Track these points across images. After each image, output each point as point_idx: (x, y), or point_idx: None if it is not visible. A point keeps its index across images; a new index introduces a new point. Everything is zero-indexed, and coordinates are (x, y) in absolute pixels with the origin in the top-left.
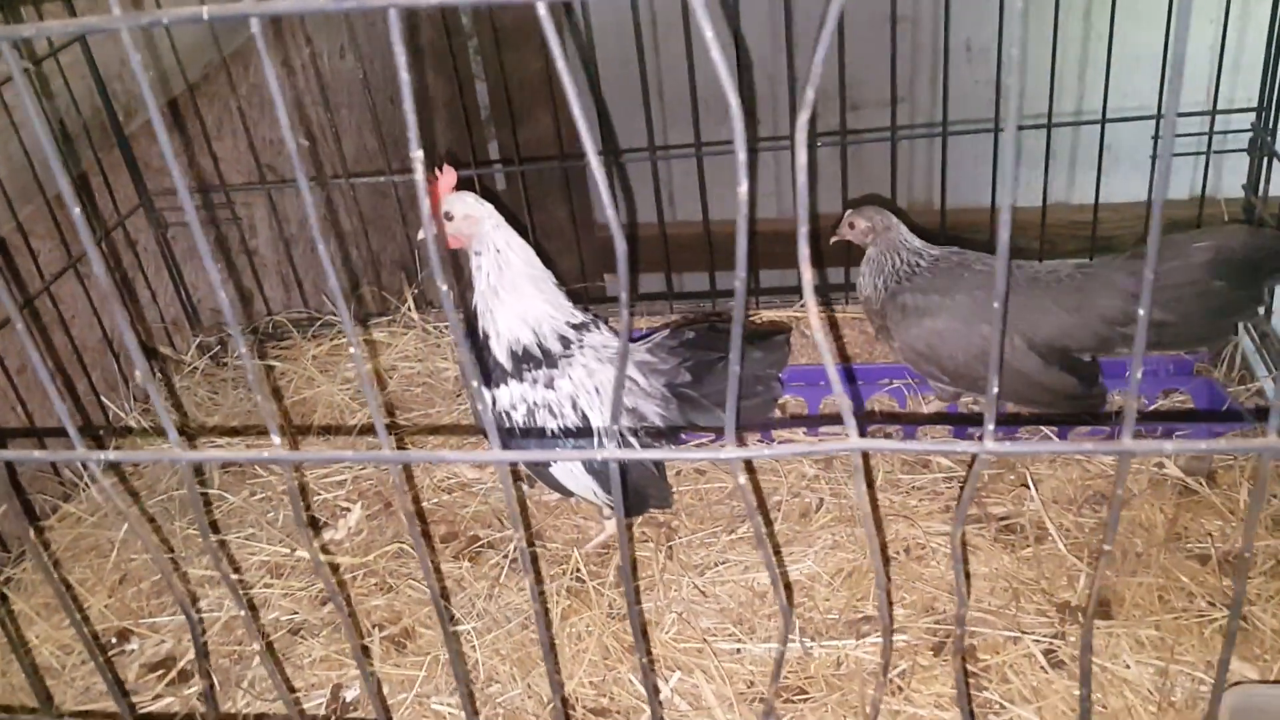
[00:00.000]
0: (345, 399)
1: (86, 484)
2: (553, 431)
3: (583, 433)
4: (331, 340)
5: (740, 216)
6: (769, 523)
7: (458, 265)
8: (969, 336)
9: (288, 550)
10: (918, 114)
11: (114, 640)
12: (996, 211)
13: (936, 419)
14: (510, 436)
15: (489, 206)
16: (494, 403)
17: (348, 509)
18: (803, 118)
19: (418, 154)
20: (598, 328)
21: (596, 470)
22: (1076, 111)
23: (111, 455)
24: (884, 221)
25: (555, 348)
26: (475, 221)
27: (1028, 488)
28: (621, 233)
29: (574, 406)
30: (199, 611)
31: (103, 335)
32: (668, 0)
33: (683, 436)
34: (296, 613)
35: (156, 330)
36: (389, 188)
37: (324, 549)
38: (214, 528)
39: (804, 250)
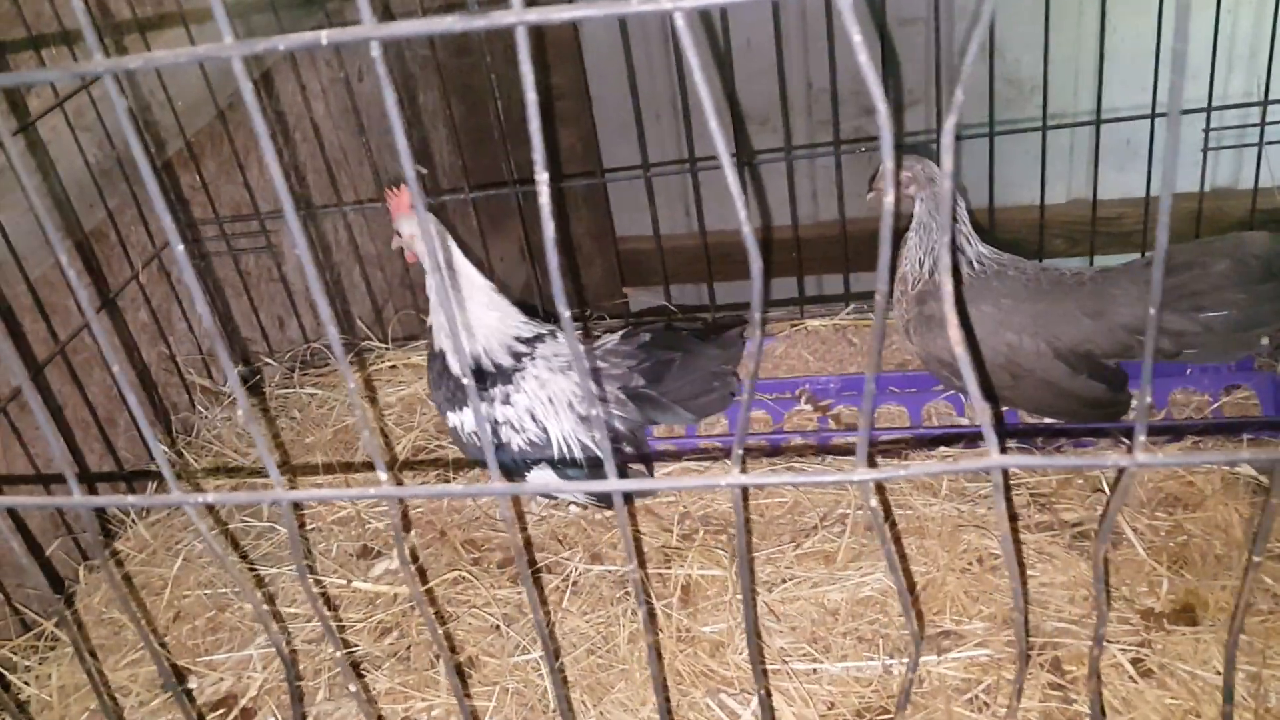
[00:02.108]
0: (389, 424)
1: (133, 520)
2: (518, 445)
3: (545, 444)
4: (372, 365)
5: (885, 226)
6: (834, 537)
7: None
8: (994, 346)
9: (343, 581)
10: (933, 117)
11: (172, 678)
12: (994, 211)
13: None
14: (480, 453)
15: (434, 226)
16: (462, 426)
17: (402, 538)
18: (950, 121)
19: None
20: (554, 338)
21: (575, 476)
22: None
23: (210, 498)
24: (926, 171)
25: (506, 361)
26: (418, 239)
27: (1101, 491)
28: (757, 248)
29: (533, 419)
30: (257, 648)
31: (142, 369)
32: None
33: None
34: (357, 645)
35: (193, 362)
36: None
37: (379, 580)
38: (264, 562)
39: (945, 260)
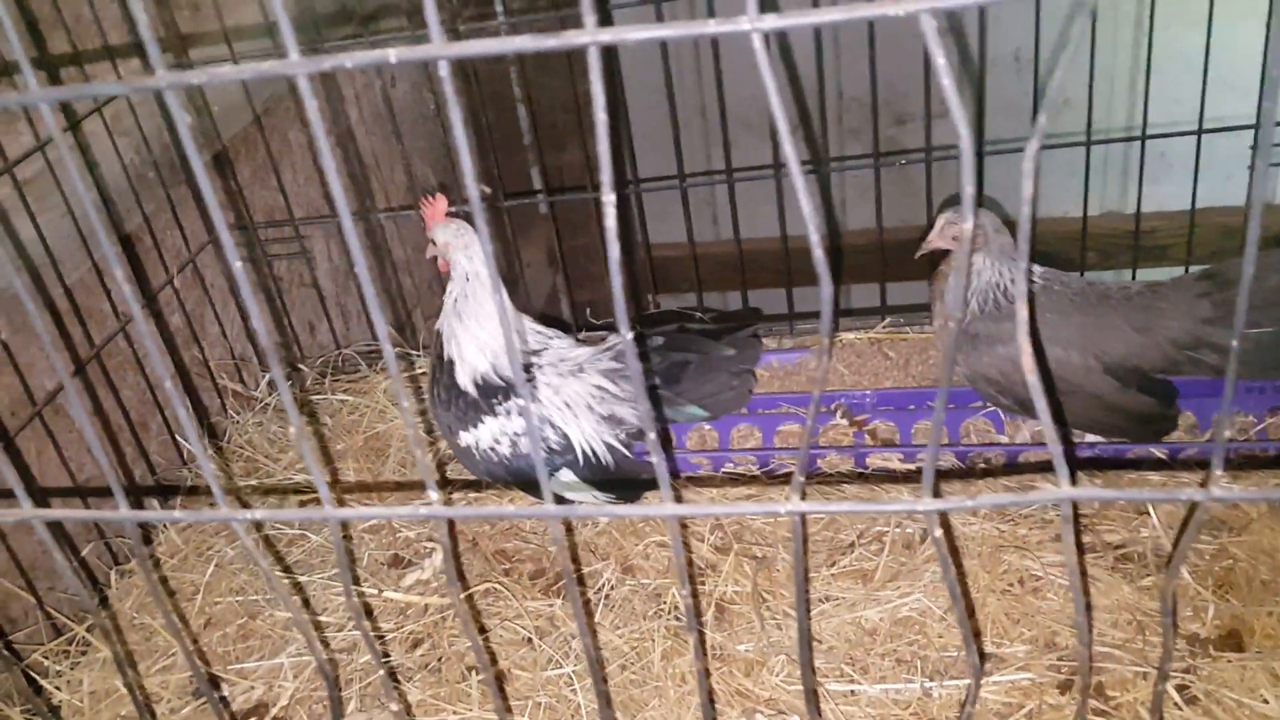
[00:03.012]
0: (420, 433)
1: (166, 525)
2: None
3: (566, 449)
4: (403, 372)
5: (965, 253)
6: (871, 556)
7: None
8: (1042, 363)
9: (374, 591)
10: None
11: (207, 684)
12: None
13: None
14: (500, 470)
15: (469, 236)
16: (477, 444)
17: (432, 548)
18: (1033, 146)
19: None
20: (553, 343)
21: (593, 477)
22: (1129, 121)
23: (258, 515)
24: (992, 223)
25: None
26: (449, 248)
27: (1146, 514)
28: (828, 273)
29: (551, 425)
30: (289, 656)
31: (174, 373)
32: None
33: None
34: (389, 656)
35: (226, 366)
36: None
37: (410, 590)
38: (296, 569)
39: (1021, 278)
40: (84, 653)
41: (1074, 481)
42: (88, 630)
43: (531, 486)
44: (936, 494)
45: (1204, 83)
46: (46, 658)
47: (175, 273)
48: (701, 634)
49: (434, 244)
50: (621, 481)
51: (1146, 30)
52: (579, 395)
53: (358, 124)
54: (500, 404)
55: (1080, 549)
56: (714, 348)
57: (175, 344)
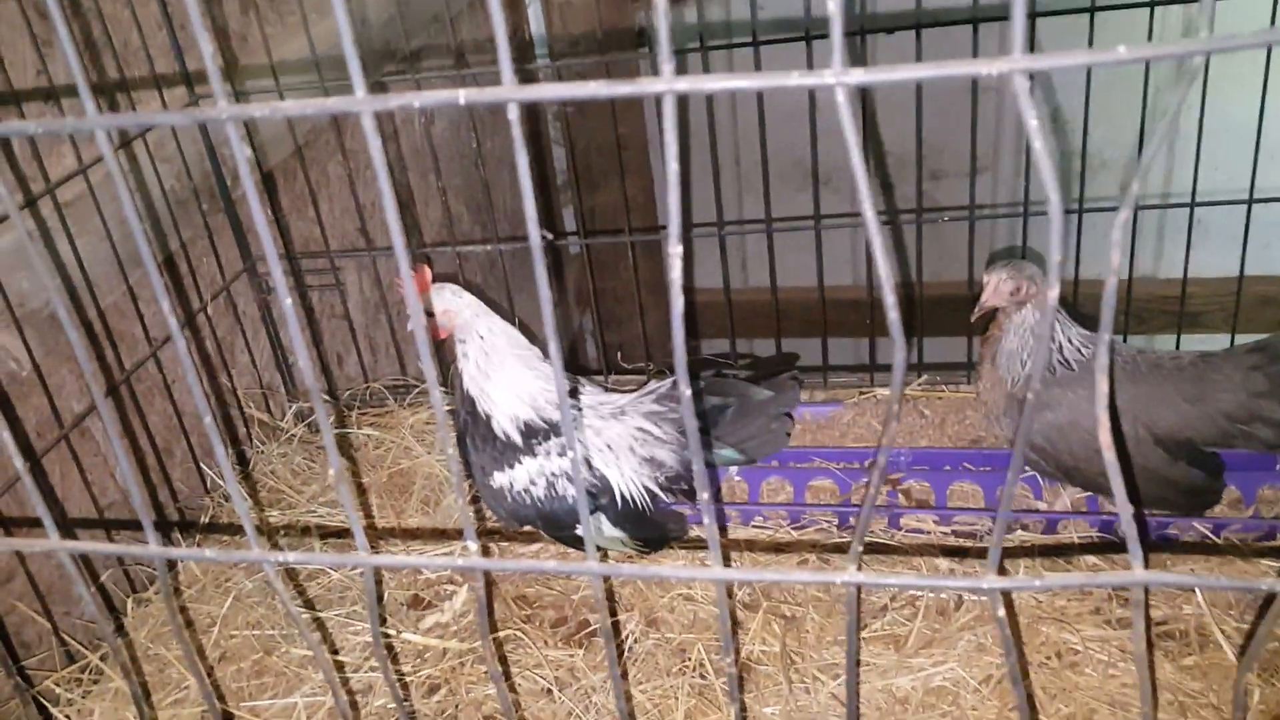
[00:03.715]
0: (445, 471)
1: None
2: (574, 497)
3: (603, 491)
4: (429, 408)
5: (1047, 321)
6: (905, 621)
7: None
8: (1090, 430)
9: (393, 632)
10: (1000, 185)
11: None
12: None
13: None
14: (530, 511)
15: (468, 297)
16: (511, 485)
17: (452, 590)
18: (1123, 215)
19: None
20: (585, 388)
21: (622, 523)
22: (1165, 188)
23: (291, 558)
24: (1039, 276)
25: (556, 416)
26: (454, 314)
27: (1190, 591)
28: (903, 334)
29: (590, 466)
30: (304, 696)
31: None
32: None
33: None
34: (405, 701)
35: (253, 395)
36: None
37: (429, 633)
38: (311, 605)
39: (1104, 359)
40: (96, 681)
41: (1147, 564)
42: (101, 659)
43: (558, 530)
44: (1002, 571)
45: (1256, 151)
46: (58, 685)
47: (209, 299)
48: (743, 704)
49: (429, 315)
50: (649, 527)
51: (1191, 96)
52: (621, 437)
53: (394, 160)
54: (540, 444)
55: (1139, 628)
56: (752, 391)
57: (204, 371)
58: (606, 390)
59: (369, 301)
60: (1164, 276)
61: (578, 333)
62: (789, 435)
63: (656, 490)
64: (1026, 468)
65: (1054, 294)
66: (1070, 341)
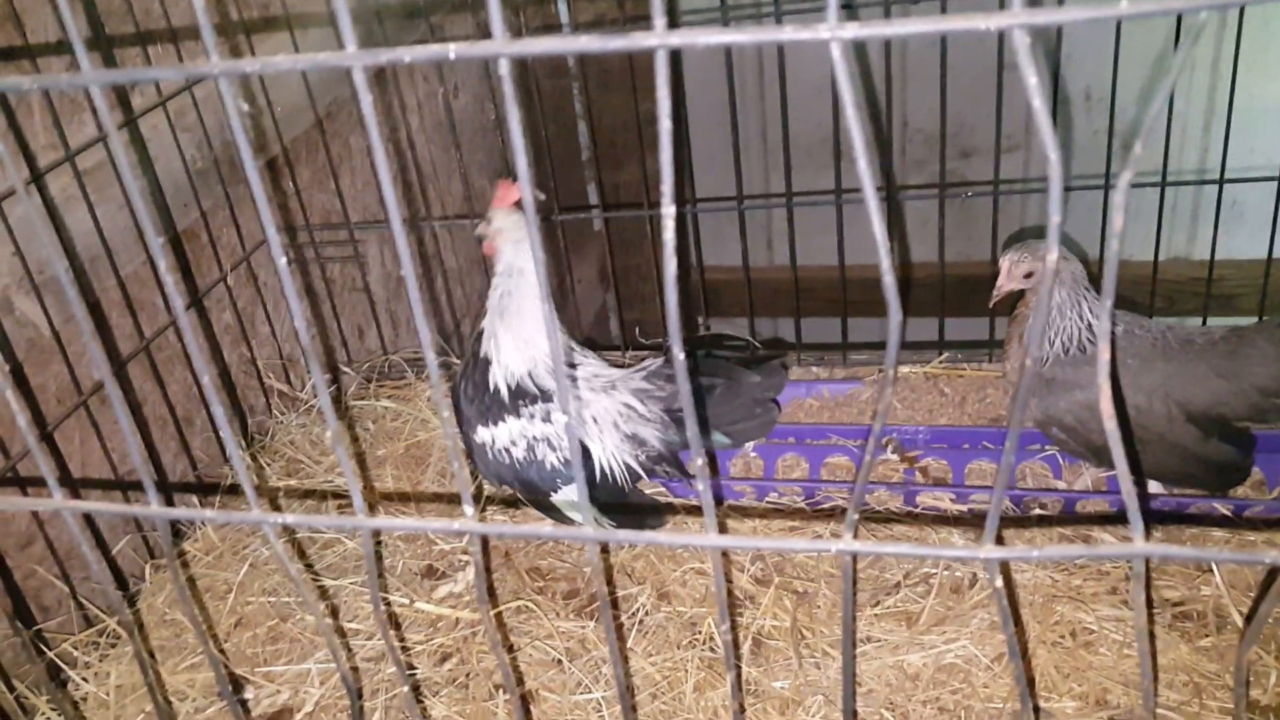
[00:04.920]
0: (458, 445)
1: (202, 523)
2: (552, 464)
3: (582, 464)
4: (448, 381)
5: (1045, 288)
6: (917, 598)
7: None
8: (1120, 409)
9: (406, 601)
10: (1032, 163)
11: (229, 688)
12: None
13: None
14: (508, 473)
15: (520, 230)
16: (493, 441)
17: (466, 561)
18: (1125, 178)
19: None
20: (587, 360)
21: (604, 498)
22: (1200, 167)
23: (290, 519)
24: (1061, 250)
25: (550, 383)
26: (500, 236)
27: (1209, 572)
28: (898, 300)
29: None
30: (317, 663)
31: (223, 370)
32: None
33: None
34: (416, 669)
35: (273, 366)
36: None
37: (442, 602)
38: (329, 573)
39: (1106, 317)
40: (114, 645)
41: (1148, 537)
42: (118, 623)
43: (533, 494)
44: (999, 541)
45: (1227, 130)
46: (76, 648)
47: (229, 270)
48: (739, 670)
49: (488, 223)
50: (623, 507)
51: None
52: (607, 411)
53: (418, 132)
54: (526, 406)
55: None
56: (740, 374)
57: (224, 342)
58: (608, 365)
59: (390, 275)
60: (1198, 258)
61: (600, 309)
62: (774, 422)
63: (637, 468)
64: (1049, 446)
65: (1053, 258)
66: (1099, 319)
